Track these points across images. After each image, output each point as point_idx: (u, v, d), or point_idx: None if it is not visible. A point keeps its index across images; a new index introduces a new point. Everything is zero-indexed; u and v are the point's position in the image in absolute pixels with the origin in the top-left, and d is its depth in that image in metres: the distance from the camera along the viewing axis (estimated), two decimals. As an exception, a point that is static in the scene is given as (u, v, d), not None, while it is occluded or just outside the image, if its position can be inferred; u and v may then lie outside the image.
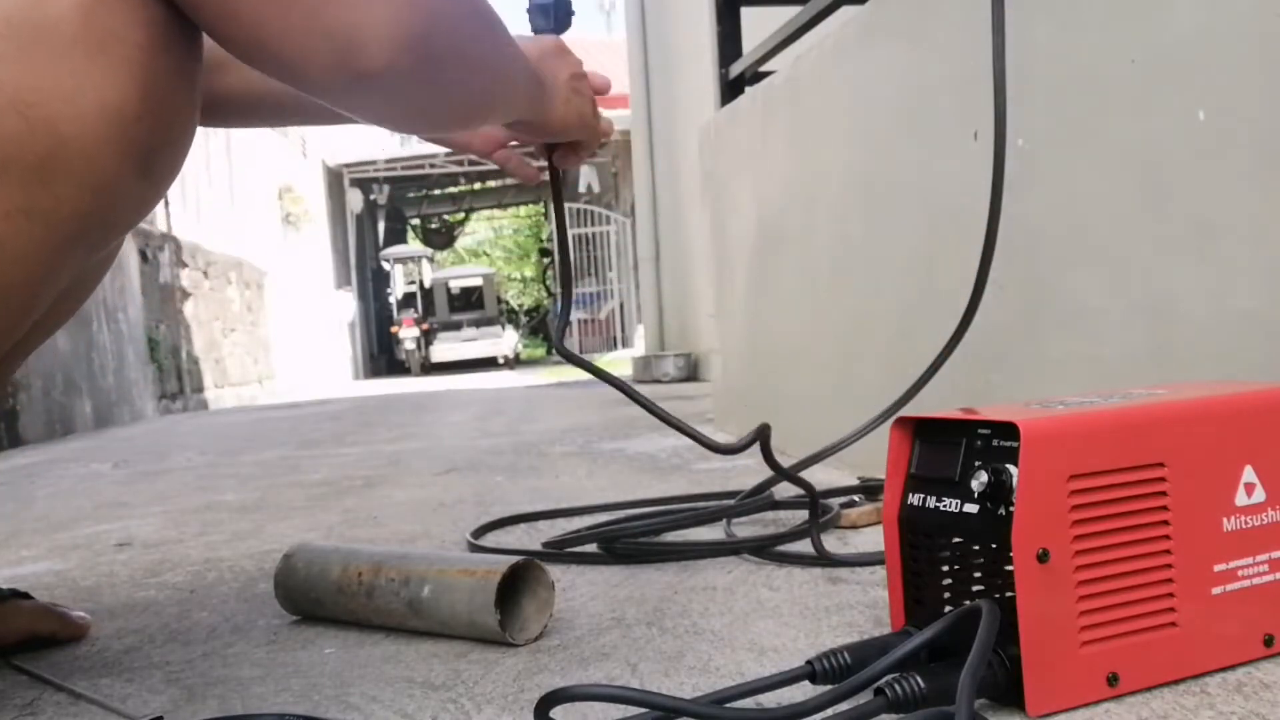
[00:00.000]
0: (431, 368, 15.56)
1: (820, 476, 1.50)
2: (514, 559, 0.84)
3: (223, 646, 0.89)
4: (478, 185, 18.24)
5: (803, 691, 0.66)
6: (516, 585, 0.85)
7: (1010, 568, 0.60)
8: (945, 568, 0.67)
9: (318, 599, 0.93)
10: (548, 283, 18.79)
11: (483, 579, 0.83)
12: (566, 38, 1.05)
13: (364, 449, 2.73)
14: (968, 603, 0.66)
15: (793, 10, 1.85)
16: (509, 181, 17.20)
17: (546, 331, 19.80)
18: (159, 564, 1.28)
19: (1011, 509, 0.61)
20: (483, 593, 0.82)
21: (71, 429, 4.44)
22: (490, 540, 1.28)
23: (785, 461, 1.11)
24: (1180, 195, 0.96)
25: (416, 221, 20.78)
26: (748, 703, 0.61)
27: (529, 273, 26.74)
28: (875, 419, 1.21)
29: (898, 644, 0.64)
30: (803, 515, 1.21)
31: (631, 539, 1.14)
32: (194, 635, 0.93)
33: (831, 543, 1.14)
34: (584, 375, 1.03)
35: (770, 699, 0.65)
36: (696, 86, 4.62)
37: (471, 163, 14.27)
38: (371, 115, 0.71)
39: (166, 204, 6.51)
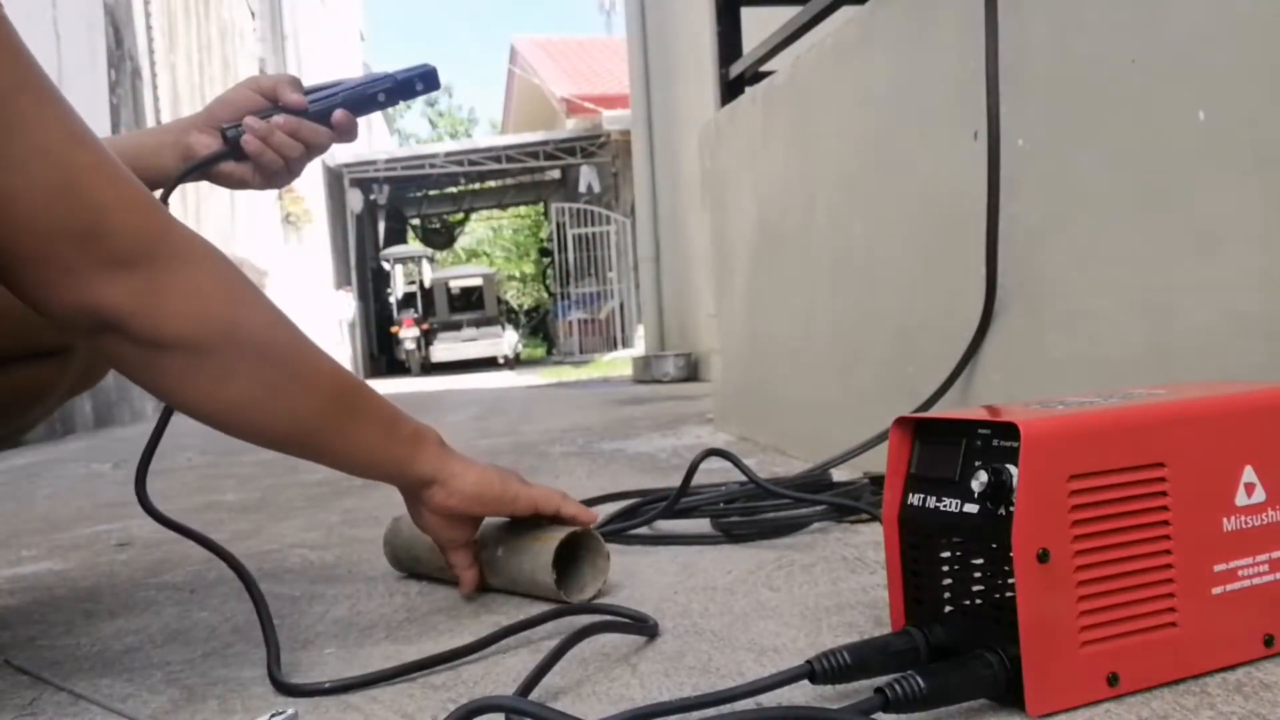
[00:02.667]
0: (431, 368, 15.55)
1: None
2: (574, 528, 0.95)
3: (223, 646, 0.88)
4: (477, 185, 18.24)
5: (803, 692, 0.66)
6: (578, 553, 0.97)
7: (1010, 568, 0.60)
8: (945, 568, 0.67)
9: (417, 557, 1.06)
10: (547, 282, 18.80)
11: (545, 542, 0.93)
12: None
13: (364, 449, 2.73)
14: (967, 603, 0.66)
15: (793, 10, 1.85)
16: (509, 181, 17.21)
17: (547, 331, 19.81)
18: (159, 564, 1.28)
19: (1011, 509, 0.61)
20: (544, 554, 0.92)
21: (71, 429, 4.43)
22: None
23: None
24: (1180, 195, 0.96)
25: (416, 221, 20.78)
26: (748, 703, 0.61)
27: (529, 270, 26.75)
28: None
29: (898, 644, 0.64)
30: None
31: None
32: (194, 635, 0.93)
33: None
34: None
35: (770, 699, 0.65)
36: (696, 86, 4.62)
37: (471, 162, 14.28)
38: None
39: (166, 205, 6.50)
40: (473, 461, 0.91)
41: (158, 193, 0.99)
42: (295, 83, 1.02)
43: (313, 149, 1.02)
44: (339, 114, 1.00)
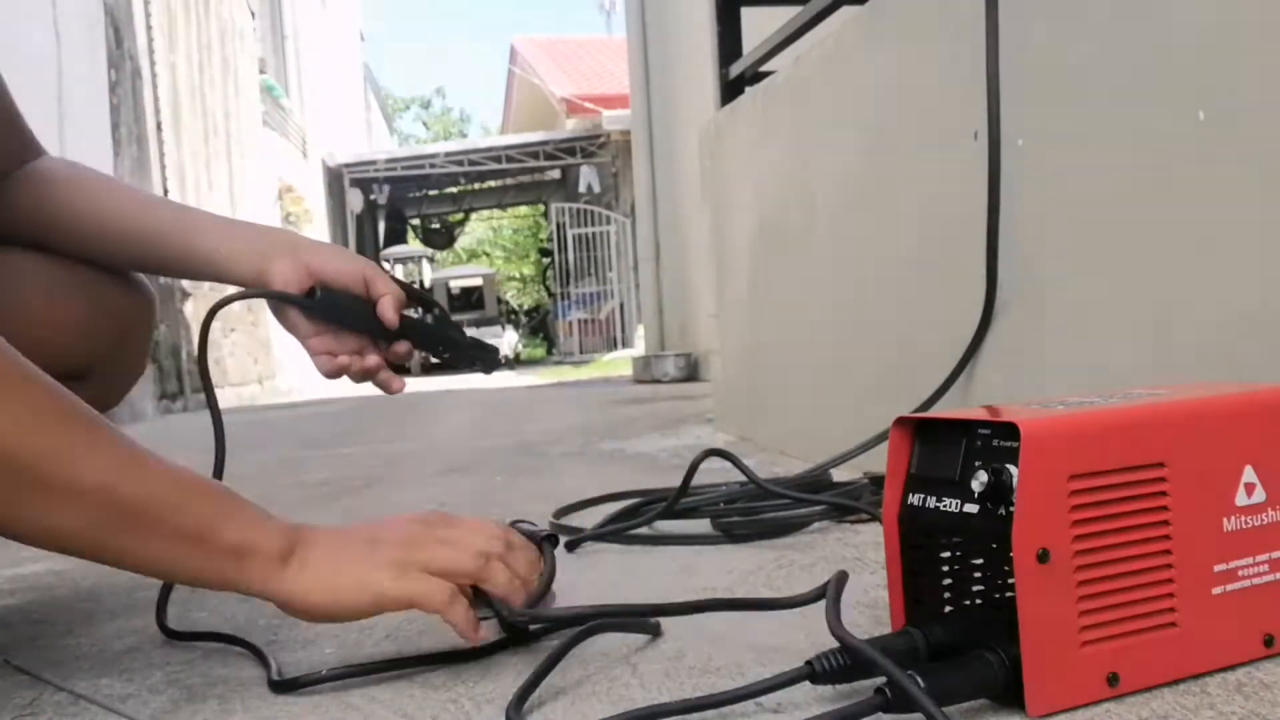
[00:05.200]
0: (432, 367, 15.56)
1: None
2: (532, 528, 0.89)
3: (223, 646, 0.88)
4: (478, 185, 18.25)
5: (803, 692, 0.66)
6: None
7: (1010, 568, 0.60)
8: (945, 568, 0.67)
9: None
10: (547, 282, 18.82)
11: None
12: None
13: (364, 449, 2.73)
14: (967, 603, 0.66)
15: (793, 10, 1.85)
16: (509, 182, 17.21)
17: (547, 331, 19.83)
18: (159, 564, 1.28)
19: (1011, 509, 0.61)
20: None
21: (71, 429, 4.43)
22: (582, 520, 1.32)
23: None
24: (1180, 195, 0.96)
25: (416, 221, 20.78)
26: (748, 705, 0.61)
27: (529, 270, 26.76)
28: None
29: (898, 644, 0.64)
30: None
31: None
32: (194, 635, 0.93)
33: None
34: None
35: (771, 700, 0.65)
36: (696, 86, 4.62)
37: (471, 163, 14.28)
38: None
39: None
40: (325, 557, 0.74)
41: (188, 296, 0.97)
42: (400, 303, 0.97)
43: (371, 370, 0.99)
44: (403, 345, 0.99)
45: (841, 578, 0.69)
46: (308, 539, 0.75)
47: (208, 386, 0.96)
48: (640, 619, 0.83)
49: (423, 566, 0.74)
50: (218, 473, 0.92)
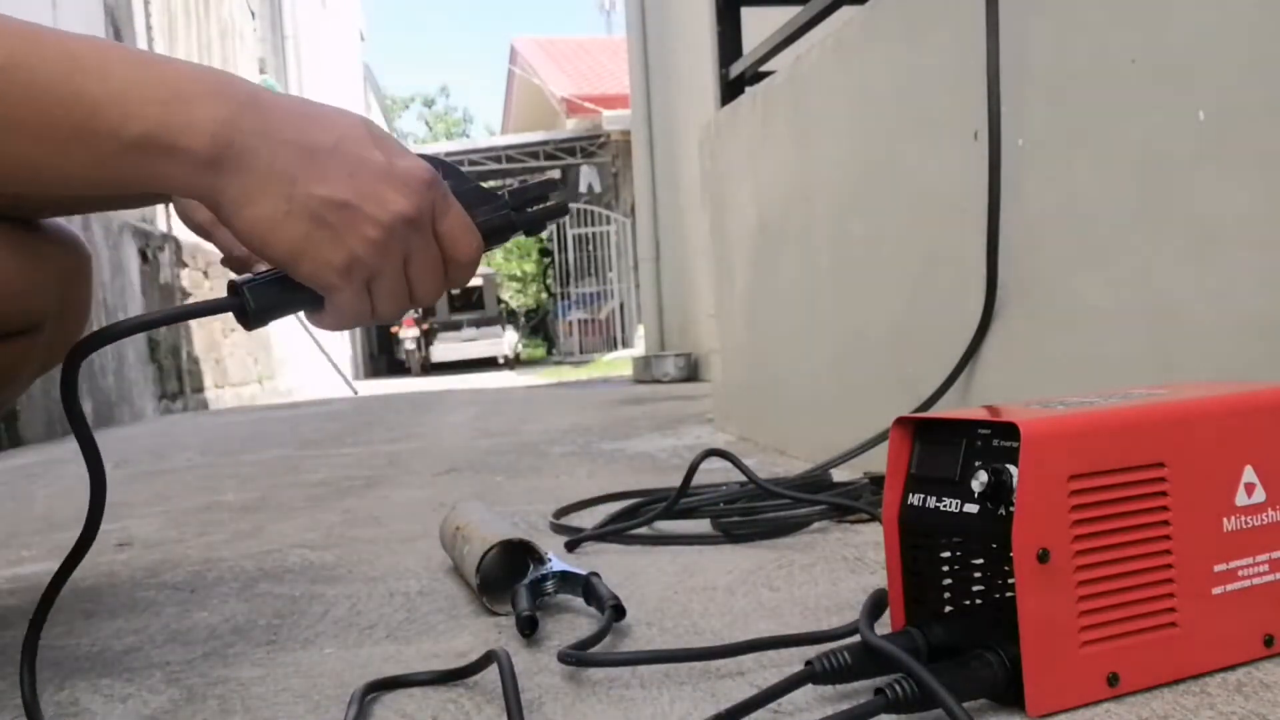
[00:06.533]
0: (431, 368, 15.58)
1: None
2: (518, 536, 0.94)
3: (223, 646, 0.88)
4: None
5: (804, 692, 0.66)
6: (524, 561, 0.93)
7: (1010, 568, 0.60)
8: (945, 568, 0.67)
9: (444, 544, 1.11)
10: (547, 282, 18.83)
11: (480, 545, 0.94)
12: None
13: (364, 449, 2.73)
14: (967, 603, 0.66)
15: (793, 10, 1.85)
16: (509, 182, 17.22)
17: (547, 331, 19.84)
18: (159, 564, 1.28)
19: (1011, 509, 0.61)
20: (474, 558, 0.94)
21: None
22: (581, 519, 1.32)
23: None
24: (1180, 195, 0.96)
25: (416, 221, 20.77)
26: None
27: (529, 270, 26.77)
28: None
29: (898, 644, 0.64)
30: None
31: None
32: (194, 635, 0.93)
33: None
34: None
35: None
36: (696, 86, 4.62)
37: (471, 163, 14.28)
38: None
39: (167, 205, 6.50)
40: (262, 171, 0.59)
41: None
42: None
43: None
44: None
45: (879, 596, 0.70)
46: (244, 132, 0.58)
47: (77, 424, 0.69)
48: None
49: (343, 245, 0.61)
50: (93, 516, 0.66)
